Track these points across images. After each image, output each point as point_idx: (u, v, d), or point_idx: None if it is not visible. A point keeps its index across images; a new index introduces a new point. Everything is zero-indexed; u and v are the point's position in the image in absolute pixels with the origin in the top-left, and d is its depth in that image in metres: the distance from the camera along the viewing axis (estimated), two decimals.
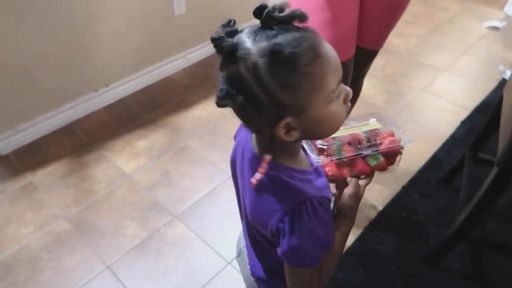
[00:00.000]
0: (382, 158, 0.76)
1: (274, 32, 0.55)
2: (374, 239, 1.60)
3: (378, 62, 1.54)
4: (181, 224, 1.67)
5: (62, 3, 1.88)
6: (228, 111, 0.64)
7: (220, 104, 0.58)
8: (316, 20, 0.57)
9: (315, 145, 0.73)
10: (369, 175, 0.77)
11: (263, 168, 0.62)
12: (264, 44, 0.54)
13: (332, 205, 0.70)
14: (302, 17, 0.56)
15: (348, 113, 0.65)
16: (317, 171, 0.68)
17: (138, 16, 2.21)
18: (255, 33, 0.55)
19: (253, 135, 0.68)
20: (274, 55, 0.53)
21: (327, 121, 0.61)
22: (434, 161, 1.92)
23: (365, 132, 0.79)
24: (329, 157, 0.73)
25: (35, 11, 1.81)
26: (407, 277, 1.48)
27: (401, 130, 0.79)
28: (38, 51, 1.90)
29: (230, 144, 2.25)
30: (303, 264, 0.66)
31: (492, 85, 2.42)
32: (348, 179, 0.74)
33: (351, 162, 0.75)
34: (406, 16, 1.33)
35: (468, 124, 2.14)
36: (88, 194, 1.79)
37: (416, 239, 1.60)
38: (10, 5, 1.73)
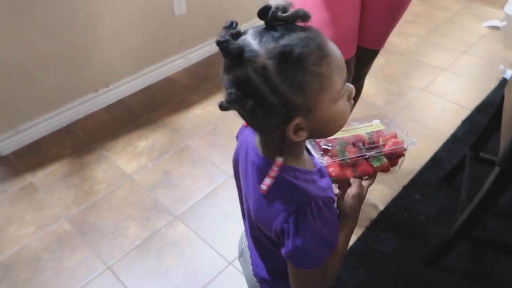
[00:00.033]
0: (385, 160, 0.76)
1: (280, 33, 0.54)
2: (375, 239, 1.59)
3: (378, 62, 1.54)
4: (181, 225, 1.67)
5: (62, 3, 1.88)
6: (229, 111, 0.63)
7: (223, 107, 0.58)
8: (316, 20, 0.57)
9: (319, 146, 0.73)
10: (372, 176, 0.78)
11: (273, 172, 0.61)
12: (271, 45, 0.54)
13: (334, 205, 0.70)
14: (305, 16, 0.55)
15: (351, 111, 0.65)
16: (321, 172, 0.68)
17: (138, 16, 2.21)
18: (261, 34, 0.55)
19: (257, 136, 0.68)
20: (283, 56, 0.53)
21: (333, 120, 0.61)
22: (435, 161, 1.92)
23: (368, 133, 0.79)
24: (332, 158, 0.73)
25: (35, 11, 1.81)
26: (408, 277, 1.48)
27: (404, 132, 0.79)
28: (38, 51, 1.90)
29: (231, 144, 2.25)
30: (307, 265, 0.66)
31: (493, 84, 2.42)
32: (351, 180, 0.74)
33: (354, 163, 0.75)
34: (406, 16, 1.33)
35: (468, 123, 2.13)
36: (89, 195, 1.79)
37: (417, 239, 1.60)
38: (10, 5, 1.72)
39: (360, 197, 0.72)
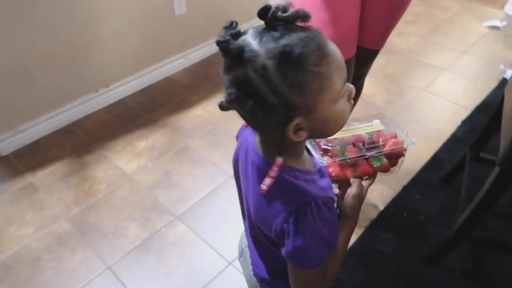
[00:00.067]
0: (385, 160, 0.77)
1: (280, 33, 0.54)
2: (375, 239, 1.59)
3: (378, 62, 1.54)
4: (182, 225, 1.67)
5: (62, 3, 1.88)
6: (230, 111, 0.63)
7: (223, 107, 0.58)
8: (315, 20, 0.57)
9: (319, 146, 0.73)
10: (372, 176, 0.78)
11: (273, 172, 0.61)
12: (271, 45, 0.54)
13: (334, 205, 0.70)
14: (305, 16, 0.55)
15: (351, 111, 0.65)
16: (321, 172, 0.68)
17: (139, 16, 2.21)
18: (261, 34, 0.55)
19: (257, 136, 0.68)
20: (283, 56, 0.53)
21: (333, 120, 0.61)
22: (435, 161, 1.92)
23: (368, 133, 0.79)
24: (332, 158, 0.73)
25: (35, 11, 1.81)
26: (408, 277, 1.48)
27: (404, 132, 0.80)
28: (38, 51, 1.90)
29: (231, 144, 2.24)
30: (307, 265, 0.66)
31: (493, 84, 2.42)
32: (351, 180, 0.74)
33: (354, 163, 0.75)
34: (406, 15, 1.33)
35: (468, 123, 2.13)
36: (89, 195, 1.79)
37: (417, 239, 1.60)
38: (10, 5, 1.72)
39: (360, 197, 0.72)
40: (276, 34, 0.54)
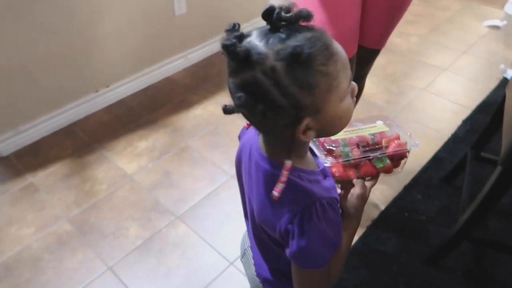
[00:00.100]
0: (388, 161, 0.77)
1: (286, 33, 0.54)
2: (376, 238, 1.59)
3: (379, 62, 1.54)
4: (182, 225, 1.67)
5: (62, 3, 1.87)
6: None
7: (228, 111, 0.58)
8: (316, 20, 0.56)
9: (324, 147, 0.73)
10: (375, 177, 0.78)
11: (284, 177, 0.61)
12: (279, 46, 0.53)
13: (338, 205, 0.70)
14: (308, 16, 0.55)
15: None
16: (324, 172, 0.68)
17: (139, 16, 2.21)
18: (266, 36, 0.54)
19: (260, 136, 0.68)
20: (293, 57, 0.53)
21: (340, 118, 0.62)
22: (436, 161, 1.92)
23: (372, 134, 0.79)
24: (336, 159, 0.73)
25: (35, 11, 1.80)
26: (409, 277, 1.48)
27: (408, 134, 0.80)
28: (38, 51, 1.90)
29: (232, 144, 2.25)
30: (312, 265, 0.66)
31: (493, 84, 2.42)
32: (354, 180, 0.74)
33: (357, 164, 0.75)
34: (406, 15, 1.33)
35: (469, 123, 2.13)
36: (90, 195, 1.79)
37: (418, 238, 1.60)
38: (10, 5, 1.72)
39: (364, 197, 0.72)
40: (282, 35, 0.54)
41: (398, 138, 0.79)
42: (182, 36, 2.48)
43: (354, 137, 0.78)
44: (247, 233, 0.91)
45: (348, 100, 0.61)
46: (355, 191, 0.72)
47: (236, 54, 0.54)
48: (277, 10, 0.54)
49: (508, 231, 1.62)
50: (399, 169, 0.80)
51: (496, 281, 1.47)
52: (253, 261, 0.87)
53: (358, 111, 1.53)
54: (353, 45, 1.25)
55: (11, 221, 1.69)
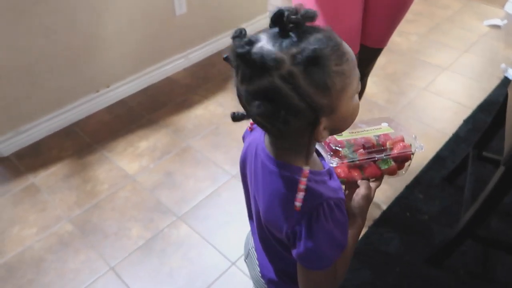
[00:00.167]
0: (393, 163, 0.77)
1: (297, 36, 0.54)
2: (379, 238, 1.59)
3: (379, 61, 1.54)
4: (184, 225, 1.67)
5: (62, 4, 1.87)
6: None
7: (237, 118, 0.58)
8: (316, 20, 0.56)
9: (329, 147, 0.73)
10: (379, 178, 0.78)
11: (302, 184, 0.61)
12: (293, 50, 0.53)
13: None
14: (314, 16, 0.55)
15: None
16: (330, 173, 0.68)
17: (139, 16, 2.20)
18: (277, 40, 0.54)
19: (266, 137, 0.67)
20: (309, 59, 0.52)
21: (350, 116, 0.62)
22: (438, 160, 1.92)
23: (376, 136, 0.79)
24: (341, 160, 0.73)
25: (36, 12, 1.80)
26: (412, 277, 1.48)
27: (413, 136, 0.80)
28: (38, 51, 1.89)
29: (233, 144, 2.24)
30: (318, 266, 0.66)
31: (494, 83, 2.42)
32: (359, 181, 0.74)
33: (362, 165, 0.76)
34: (407, 14, 1.33)
35: (470, 122, 2.13)
36: (91, 196, 1.79)
37: (421, 238, 1.60)
38: (11, 6, 1.72)
39: (368, 198, 0.72)
40: (294, 37, 0.53)
41: (403, 140, 0.79)
42: (183, 36, 2.48)
43: (359, 138, 0.78)
44: (251, 233, 0.91)
45: (357, 97, 0.62)
46: (360, 191, 0.72)
47: (252, 61, 0.53)
48: (286, 13, 0.53)
49: (510, 230, 1.62)
50: (403, 171, 0.80)
51: (498, 280, 1.47)
52: (257, 262, 0.87)
53: (359, 111, 1.53)
54: (354, 44, 1.25)
55: (13, 222, 1.69)
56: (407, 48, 2.74)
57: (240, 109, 0.61)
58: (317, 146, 0.72)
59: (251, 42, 0.54)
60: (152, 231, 1.65)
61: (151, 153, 1.99)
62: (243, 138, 0.81)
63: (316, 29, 0.56)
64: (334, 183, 0.66)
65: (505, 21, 2.96)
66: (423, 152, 1.95)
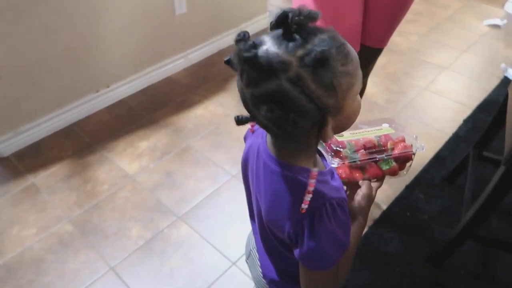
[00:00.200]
0: (394, 163, 0.77)
1: (302, 37, 0.53)
2: (379, 238, 1.59)
3: (380, 61, 1.54)
4: (185, 225, 1.67)
5: (62, 3, 1.87)
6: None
7: (242, 121, 0.58)
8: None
9: (331, 148, 0.73)
10: (380, 179, 0.78)
11: (311, 186, 0.61)
12: (300, 52, 0.52)
13: None
14: (316, 17, 0.55)
15: None
16: (331, 172, 0.68)
17: (139, 16, 2.20)
18: (282, 42, 0.53)
19: (268, 137, 0.67)
20: (316, 61, 0.52)
21: (354, 114, 0.63)
22: (438, 160, 1.92)
23: (377, 136, 0.79)
24: (342, 160, 0.73)
25: (36, 12, 1.80)
26: (412, 277, 1.47)
27: (414, 136, 0.80)
28: (38, 51, 1.89)
29: (234, 144, 2.23)
30: (321, 266, 0.65)
31: (494, 83, 2.42)
32: (361, 181, 0.74)
33: (363, 166, 0.76)
34: (407, 14, 1.33)
35: (470, 122, 2.13)
36: (91, 196, 1.78)
37: (421, 238, 1.60)
38: (11, 6, 1.72)
39: (370, 197, 0.72)
40: (299, 39, 0.53)
41: (403, 140, 0.79)
42: (182, 36, 2.48)
43: (360, 139, 0.78)
44: (252, 234, 0.91)
45: (359, 95, 0.62)
46: (362, 191, 0.72)
47: (259, 65, 0.52)
48: (291, 15, 0.53)
49: (511, 230, 1.62)
50: (404, 171, 0.80)
51: (499, 280, 1.47)
52: (259, 263, 0.86)
53: (360, 111, 1.53)
54: (355, 44, 1.25)
55: (13, 222, 1.69)
56: (407, 48, 2.74)
57: (242, 111, 0.61)
58: (318, 146, 0.72)
59: (256, 45, 0.53)
60: (152, 231, 1.64)
61: (151, 153, 1.98)
62: (245, 138, 0.81)
63: (319, 30, 0.55)
64: (336, 182, 0.66)
65: (505, 21, 2.96)
66: (423, 152, 1.95)
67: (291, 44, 0.53)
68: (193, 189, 1.81)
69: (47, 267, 1.53)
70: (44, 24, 1.85)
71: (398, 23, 1.35)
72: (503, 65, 2.51)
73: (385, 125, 0.83)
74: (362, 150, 0.77)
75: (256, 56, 0.52)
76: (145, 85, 2.41)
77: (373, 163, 0.76)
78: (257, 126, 0.74)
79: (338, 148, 0.74)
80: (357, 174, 0.75)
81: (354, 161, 0.74)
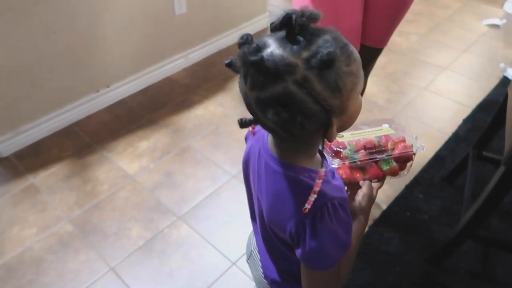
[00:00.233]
0: (394, 163, 0.77)
1: (306, 39, 0.53)
2: (379, 238, 1.59)
3: (379, 61, 1.54)
4: (185, 225, 1.67)
5: (62, 4, 1.87)
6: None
7: (245, 124, 0.58)
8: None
9: (331, 148, 0.73)
10: (381, 179, 0.78)
11: (317, 186, 0.60)
12: (305, 54, 0.52)
13: None
14: (318, 18, 0.55)
15: None
16: (332, 172, 0.68)
17: (139, 16, 2.20)
18: (286, 44, 0.53)
19: (270, 137, 0.67)
20: (322, 63, 0.52)
21: (355, 114, 0.63)
22: (437, 160, 1.92)
23: (378, 137, 0.79)
24: (343, 161, 0.73)
25: (36, 12, 1.80)
26: (412, 277, 1.48)
27: (414, 136, 0.80)
28: (38, 51, 1.89)
29: (234, 144, 2.23)
30: (322, 266, 0.65)
31: (493, 83, 2.42)
32: (361, 182, 0.74)
33: (363, 166, 0.76)
34: (407, 14, 1.33)
35: (470, 122, 2.14)
36: (91, 196, 1.78)
37: (421, 238, 1.60)
38: (11, 6, 1.72)
39: (371, 197, 0.73)
40: (303, 41, 0.53)
41: (404, 141, 0.79)
42: (182, 36, 2.48)
43: (361, 139, 0.78)
44: (253, 234, 0.91)
45: (360, 95, 0.62)
46: (363, 191, 0.72)
47: (265, 68, 0.52)
48: (294, 17, 0.52)
49: (511, 230, 1.63)
50: (404, 171, 0.80)
51: (498, 280, 1.47)
52: (260, 263, 0.87)
53: (361, 111, 1.53)
54: (355, 44, 1.24)
55: (13, 222, 1.69)
56: (407, 48, 2.74)
57: (242, 112, 0.61)
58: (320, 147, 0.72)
59: (260, 48, 0.53)
60: (152, 231, 1.65)
61: (151, 153, 1.98)
62: (246, 139, 0.81)
63: (322, 31, 0.55)
64: (338, 182, 0.67)
65: (504, 21, 2.97)
66: (423, 151, 1.96)
67: (295, 46, 0.53)
68: (193, 189, 1.81)
69: (47, 267, 1.53)
70: (44, 24, 1.85)
71: (398, 23, 1.35)
72: (502, 65, 2.52)
73: (385, 126, 0.83)
74: (363, 151, 0.77)
75: (262, 59, 0.52)
76: (145, 85, 2.41)
77: (373, 163, 0.77)
78: (257, 128, 0.74)
79: (338, 149, 0.74)
80: (358, 175, 0.75)
81: (355, 162, 0.75)
